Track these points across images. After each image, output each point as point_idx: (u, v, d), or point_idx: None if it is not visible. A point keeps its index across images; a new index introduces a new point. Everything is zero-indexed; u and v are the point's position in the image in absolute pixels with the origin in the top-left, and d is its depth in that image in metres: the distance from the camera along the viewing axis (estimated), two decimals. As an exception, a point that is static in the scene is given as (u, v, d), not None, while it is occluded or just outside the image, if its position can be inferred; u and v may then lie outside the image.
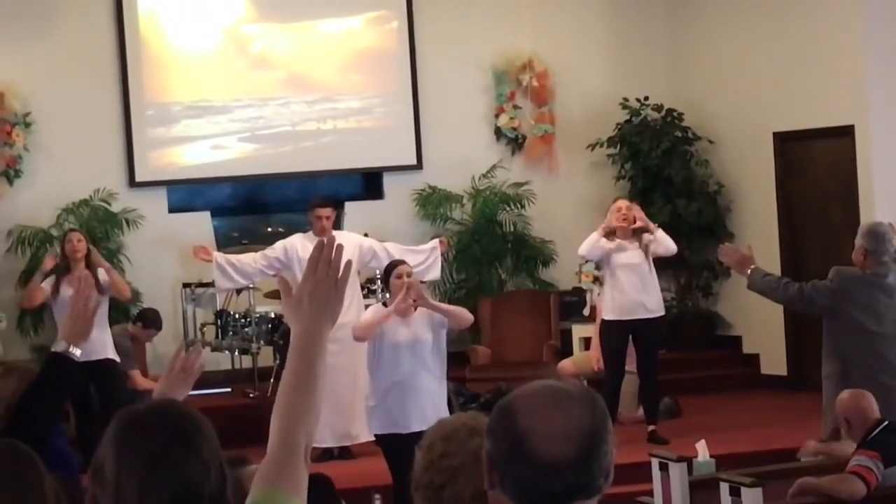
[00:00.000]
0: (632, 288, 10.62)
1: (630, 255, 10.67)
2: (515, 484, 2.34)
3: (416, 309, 8.81)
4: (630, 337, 10.75)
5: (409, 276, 8.93)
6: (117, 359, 10.65)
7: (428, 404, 8.67)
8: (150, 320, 11.84)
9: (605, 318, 10.85)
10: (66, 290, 10.38)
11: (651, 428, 10.74)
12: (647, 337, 10.75)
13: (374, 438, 9.31)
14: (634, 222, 10.74)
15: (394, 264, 9.12)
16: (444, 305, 9.39)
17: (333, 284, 2.79)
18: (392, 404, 8.73)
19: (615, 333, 10.77)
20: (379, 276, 12.05)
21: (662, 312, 10.84)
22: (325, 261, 2.79)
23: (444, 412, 8.77)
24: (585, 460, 2.33)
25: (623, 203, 10.92)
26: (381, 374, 8.81)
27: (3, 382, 6.20)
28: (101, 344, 10.36)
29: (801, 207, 13.07)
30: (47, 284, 10.69)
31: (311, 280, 2.78)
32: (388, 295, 9.32)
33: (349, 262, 2.84)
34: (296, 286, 2.80)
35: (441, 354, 8.89)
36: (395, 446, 8.46)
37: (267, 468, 2.62)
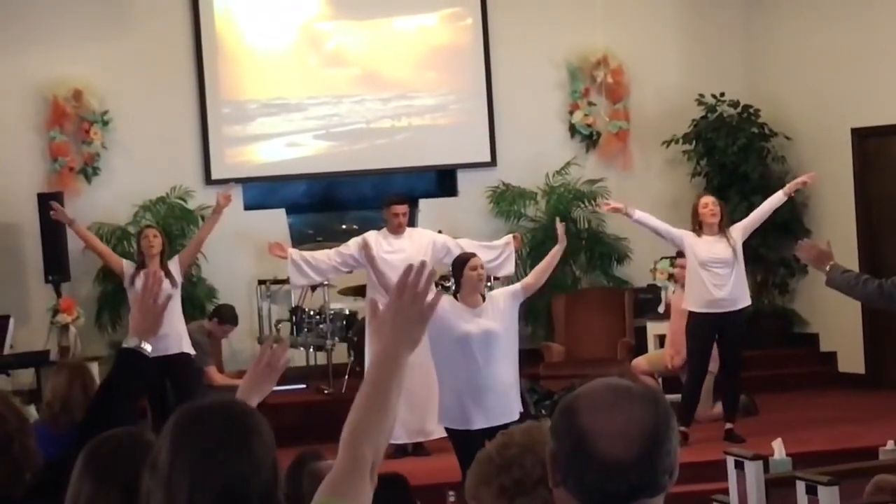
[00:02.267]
0: (719, 282, 10.54)
1: (714, 251, 10.56)
2: (578, 483, 2.34)
3: (484, 299, 8.81)
4: (716, 333, 10.63)
5: (482, 268, 8.92)
6: (192, 353, 10.73)
7: (499, 398, 8.64)
8: (226, 316, 11.93)
9: (692, 309, 10.67)
10: (140, 284, 10.49)
11: (728, 426, 10.66)
12: (733, 331, 10.60)
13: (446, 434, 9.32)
14: (721, 217, 10.66)
15: (466, 257, 9.07)
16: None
17: (418, 311, 2.80)
18: (463, 399, 8.71)
19: (702, 327, 10.61)
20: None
21: (748, 303, 10.70)
22: (413, 286, 2.80)
23: (517, 406, 8.74)
24: (648, 460, 2.32)
25: (709, 199, 10.80)
26: (451, 367, 8.79)
27: (55, 379, 6.29)
28: (177, 338, 10.47)
29: (880, 204, 12.93)
30: (129, 267, 10.74)
31: (396, 303, 2.79)
32: (450, 288, 9.29)
33: (439, 293, 2.83)
34: (382, 303, 2.82)
35: (513, 345, 8.85)
36: (465, 441, 8.44)
37: (332, 477, 2.66)
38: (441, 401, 8.88)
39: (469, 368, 8.67)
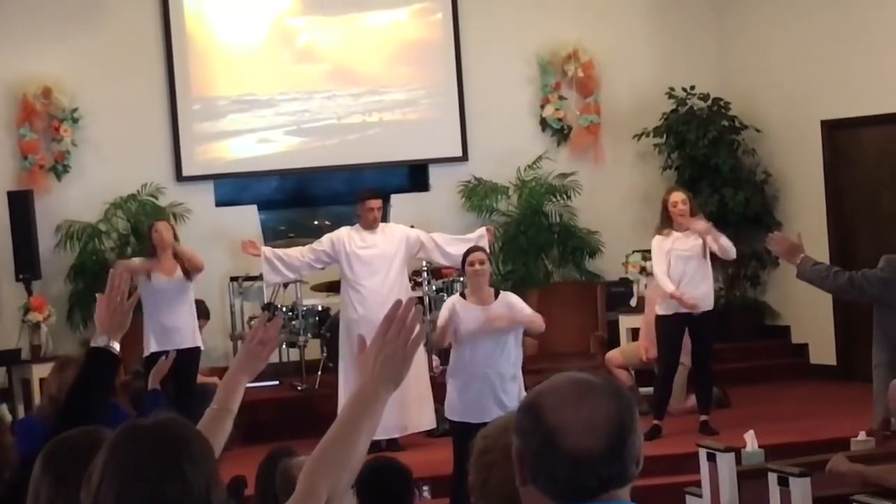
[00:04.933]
0: (687, 280, 10.54)
1: (685, 246, 10.56)
2: (549, 479, 2.35)
3: (497, 296, 8.90)
4: (686, 330, 10.62)
5: (481, 262, 8.93)
6: (202, 347, 10.85)
7: (501, 395, 8.73)
8: (199, 311, 11.88)
9: (659, 313, 10.66)
10: (158, 278, 10.52)
11: (703, 418, 10.68)
12: (703, 330, 10.60)
13: (423, 429, 9.37)
14: (691, 216, 10.61)
15: (469, 251, 9.14)
16: (524, 316, 9.11)
17: (402, 346, 2.79)
18: (469, 392, 8.78)
19: (671, 328, 10.60)
20: (426, 268, 12.11)
21: (711, 307, 10.66)
22: (400, 321, 2.81)
23: (517, 401, 8.80)
24: (616, 451, 2.34)
25: (678, 197, 10.73)
26: (460, 361, 8.84)
27: (61, 374, 6.27)
28: (190, 332, 10.67)
29: (850, 196, 12.98)
30: (143, 263, 10.71)
31: (381, 339, 2.79)
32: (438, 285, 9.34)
33: (422, 328, 2.83)
34: (372, 316, 2.84)
35: (518, 345, 8.92)
36: (466, 434, 8.47)
37: None
38: (454, 395, 8.92)
39: (475, 363, 8.72)
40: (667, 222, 10.60)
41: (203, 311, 11.88)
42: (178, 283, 10.62)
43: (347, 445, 2.71)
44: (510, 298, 9.03)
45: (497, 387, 8.77)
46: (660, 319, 10.66)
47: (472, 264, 8.90)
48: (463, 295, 9.05)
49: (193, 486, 2.58)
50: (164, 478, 2.56)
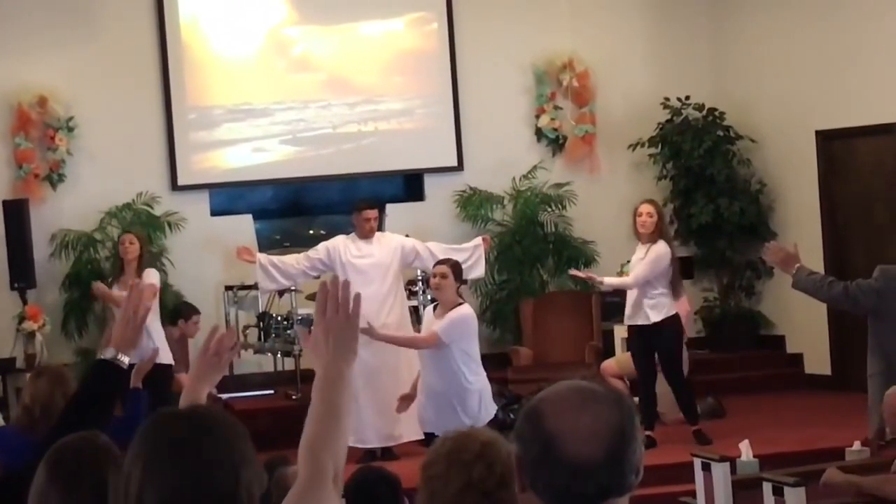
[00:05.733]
0: (632, 292, 10.58)
1: (636, 257, 10.63)
2: (548, 486, 2.35)
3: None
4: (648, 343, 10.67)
5: (443, 276, 9.01)
6: (172, 362, 10.65)
7: (458, 408, 8.87)
8: (188, 310, 11.84)
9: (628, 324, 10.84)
10: (118, 292, 10.48)
11: (695, 428, 10.69)
12: (658, 342, 10.60)
13: (416, 438, 9.43)
14: (660, 231, 10.63)
15: (436, 263, 9.29)
16: (396, 336, 9.72)
17: (345, 321, 2.84)
18: (428, 405, 8.94)
19: (633, 340, 10.81)
20: (421, 277, 12.13)
21: (658, 319, 10.53)
22: (333, 298, 2.85)
23: (475, 413, 8.92)
24: (615, 459, 2.34)
25: (645, 208, 10.68)
26: (423, 374, 8.98)
27: (35, 384, 6.26)
28: (157, 349, 10.40)
29: (845, 206, 12.99)
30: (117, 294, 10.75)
31: (322, 321, 2.84)
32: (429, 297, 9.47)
33: (358, 296, 2.86)
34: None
35: (466, 358, 8.98)
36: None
37: (297, 489, 2.69)
38: (427, 408, 9.02)
39: (429, 376, 8.88)
40: (636, 233, 10.65)
41: (191, 309, 11.81)
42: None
43: (334, 420, 2.76)
44: (450, 315, 9.03)
45: (450, 401, 8.93)
46: (628, 331, 10.85)
47: (434, 276, 9.08)
48: (434, 307, 9.26)
49: (215, 468, 2.59)
50: (187, 462, 2.58)
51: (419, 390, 9.08)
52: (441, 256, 10.58)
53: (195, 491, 2.56)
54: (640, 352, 10.69)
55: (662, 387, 10.89)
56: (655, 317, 10.51)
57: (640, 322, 10.54)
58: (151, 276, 10.60)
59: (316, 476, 2.67)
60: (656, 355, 10.69)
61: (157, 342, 10.29)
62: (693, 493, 8.14)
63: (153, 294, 10.32)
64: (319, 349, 2.83)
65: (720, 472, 7.77)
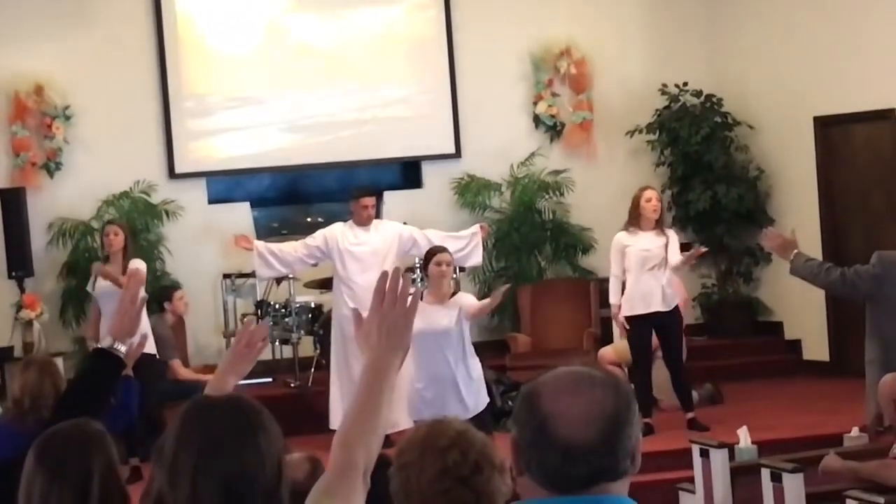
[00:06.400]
0: (634, 280, 10.54)
1: (647, 245, 10.56)
2: (541, 468, 2.37)
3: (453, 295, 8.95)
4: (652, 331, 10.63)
5: (448, 264, 8.99)
6: (154, 352, 10.51)
7: (457, 393, 8.81)
8: (167, 290, 11.84)
9: (626, 314, 10.61)
10: (101, 282, 10.47)
11: (690, 416, 10.68)
12: (667, 330, 10.59)
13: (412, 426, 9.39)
14: (661, 214, 10.65)
15: (433, 251, 9.18)
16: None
17: (402, 314, 2.81)
18: (427, 393, 8.86)
19: (638, 329, 10.60)
20: (419, 265, 12.11)
21: (675, 304, 10.60)
22: (392, 291, 2.82)
23: (475, 400, 8.90)
24: (608, 443, 2.34)
25: (653, 194, 10.72)
26: (417, 362, 8.89)
27: (24, 375, 6.25)
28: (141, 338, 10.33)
29: (842, 192, 12.99)
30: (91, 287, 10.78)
31: (378, 311, 2.81)
32: (424, 283, 9.39)
33: (417, 292, 2.84)
34: (365, 312, 2.83)
35: (466, 343, 8.96)
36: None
37: (326, 479, 2.69)
38: (415, 396, 8.95)
39: (430, 364, 8.79)
40: (635, 219, 10.59)
41: (170, 287, 11.82)
42: (119, 290, 10.28)
43: (374, 413, 2.74)
44: (463, 299, 9.05)
45: (455, 385, 8.85)
46: (628, 320, 10.66)
47: (439, 264, 8.98)
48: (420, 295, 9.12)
49: (266, 461, 2.62)
50: (240, 451, 2.61)
51: (416, 379, 9.00)
52: (439, 243, 10.58)
53: (249, 482, 2.59)
54: (644, 340, 10.66)
55: (660, 373, 10.87)
56: (675, 300, 10.58)
57: (655, 309, 10.44)
58: (137, 265, 10.54)
59: (346, 469, 2.67)
60: (658, 342, 10.68)
61: (145, 329, 10.27)
62: (691, 480, 8.15)
63: (140, 282, 10.29)
64: (371, 339, 2.80)
65: (718, 458, 7.79)
